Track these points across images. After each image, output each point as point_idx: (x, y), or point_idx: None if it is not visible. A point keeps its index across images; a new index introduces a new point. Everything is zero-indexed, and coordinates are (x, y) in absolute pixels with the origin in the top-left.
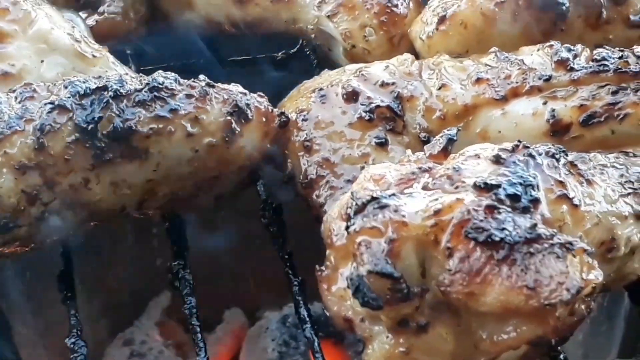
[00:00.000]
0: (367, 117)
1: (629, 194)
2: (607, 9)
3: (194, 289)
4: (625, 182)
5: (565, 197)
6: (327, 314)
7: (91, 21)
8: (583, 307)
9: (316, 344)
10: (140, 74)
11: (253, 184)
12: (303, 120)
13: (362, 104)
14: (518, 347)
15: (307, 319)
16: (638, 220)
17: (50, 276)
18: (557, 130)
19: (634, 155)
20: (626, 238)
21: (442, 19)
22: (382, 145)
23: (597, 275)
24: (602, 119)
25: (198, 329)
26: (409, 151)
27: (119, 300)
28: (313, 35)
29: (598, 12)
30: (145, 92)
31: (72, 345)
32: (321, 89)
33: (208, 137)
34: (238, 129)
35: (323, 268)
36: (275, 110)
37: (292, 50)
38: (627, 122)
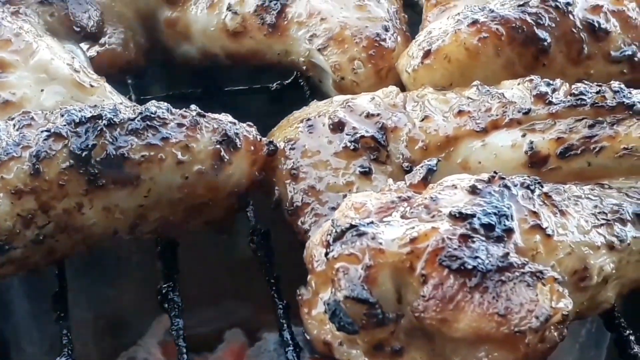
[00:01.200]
0: (352, 147)
1: (602, 224)
2: (589, 45)
3: (182, 310)
4: (599, 213)
5: (538, 227)
6: (307, 337)
7: (93, 52)
8: (556, 334)
9: None
10: (134, 104)
11: (242, 210)
12: (290, 149)
13: (347, 134)
14: None
15: (290, 342)
16: (610, 251)
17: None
18: (535, 161)
19: (609, 187)
20: (599, 268)
21: (427, 53)
22: (366, 174)
23: (566, 304)
24: (579, 152)
25: (184, 350)
26: (390, 180)
27: (124, 320)
28: (304, 68)
29: (579, 47)
30: (138, 120)
31: None
32: (309, 119)
33: (198, 164)
34: (227, 157)
35: (304, 292)
36: (263, 139)
37: (287, 81)
38: (603, 155)
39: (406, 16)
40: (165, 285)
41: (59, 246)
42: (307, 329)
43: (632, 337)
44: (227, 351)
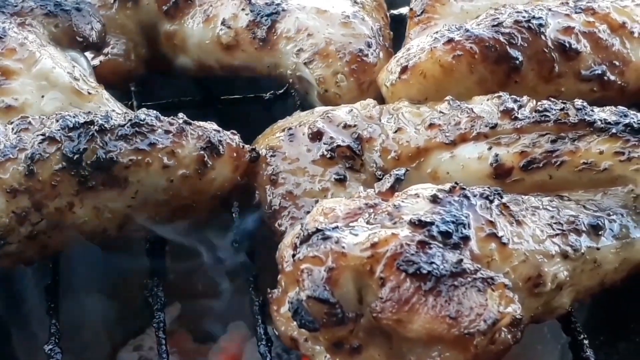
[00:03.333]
0: (328, 155)
1: (557, 234)
2: (559, 64)
3: (164, 305)
4: (555, 223)
5: (494, 236)
6: (276, 333)
7: (96, 61)
8: (509, 336)
9: (268, 359)
10: (125, 112)
11: (226, 211)
12: (271, 156)
13: (325, 143)
14: None
15: (263, 337)
16: (565, 259)
17: (67, 284)
18: (500, 173)
19: (569, 199)
20: (552, 275)
21: (404, 69)
22: (341, 181)
23: (515, 309)
24: (541, 165)
25: (163, 341)
26: (360, 188)
27: (134, 309)
28: (291, 80)
29: (550, 66)
30: (127, 127)
31: (49, 352)
32: (290, 128)
33: (182, 169)
34: (210, 163)
35: (275, 291)
36: (246, 146)
37: (279, 92)
38: (563, 169)
39: (391, 33)
40: (150, 281)
41: (52, 242)
42: (275, 325)
43: (585, 341)
44: (230, 341)
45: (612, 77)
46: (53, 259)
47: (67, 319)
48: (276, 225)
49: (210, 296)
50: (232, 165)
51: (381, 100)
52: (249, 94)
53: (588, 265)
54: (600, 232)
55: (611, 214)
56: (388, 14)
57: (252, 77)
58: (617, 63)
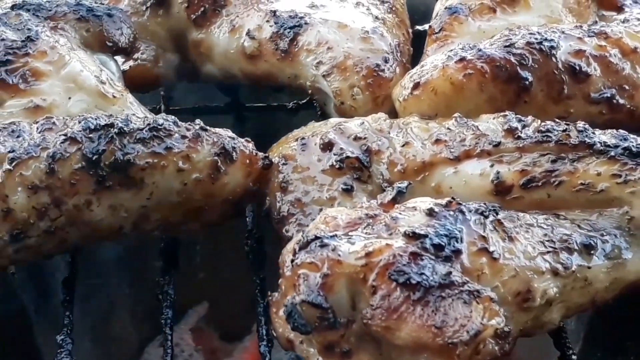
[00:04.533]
0: (337, 166)
1: (548, 252)
2: (569, 86)
3: (174, 302)
4: (548, 241)
5: (485, 250)
6: (274, 334)
7: (126, 66)
8: (496, 348)
9: (267, 359)
10: (145, 116)
11: (238, 217)
12: (283, 164)
13: (335, 154)
14: None
15: (265, 337)
16: (555, 276)
17: (97, 280)
18: (500, 190)
19: (564, 218)
20: (542, 291)
21: (416, 85)
22: (348, 191)
23: (498, 322)
24: (540, 184)
25: (169, 337)
26: (364, 198)
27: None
28: (310, 91)
29: (560, 88)
30: (145, 131)
31: (60, 342)
32: (303, 138)
33: (196, 173)
34: (223, 168)
35: (275, 294)
36: (260, 154)
37: (302, 101)
38: (561, 188)
39: (411, 49)
40: (162, 279)
41: (70, 237)
42: (274, 327)
43: (574, 357)
44: (255, 341)
45: (622, 101)
46: (72, 253)
47: (96, 314)
48: (283, 231)
49: (238, 296)
50: (244, 171)
51: (396, 114)
52: (273, 103)
53: (579, 283)
54: (592, 252)
55: (605, 234)
56: (412, 30)
57: (277, 86)
58: (626, 87)
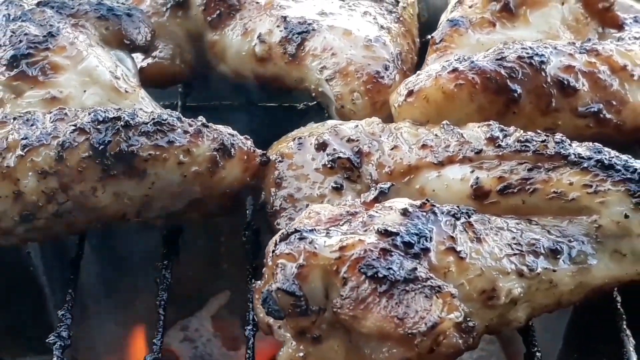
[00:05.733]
0: (329, 165)
1: (515, 254)
2: (557, 99)
3: (169, 286)
4: (515, 244)
5: (453, 250)
6: (255, 319)
7: (144, 63)
8: (460, 341)
9: (250, 342)
10: (152, 111)
11: (237, 209)
12: (279, 161)
13: (328, 154)
14: None
15: (251, 322)
16: (520, 277)
17: (121, 265)
18: (478, 195)
19: (536, 224)
20: (507, 290)
21: (410, 92)
22: (338, 189)
23: (457, 316)
24: (515, 190)
25: (162, 317)
26: (349, 197)
27: (186, 294)
28: (314, 94)
29: (548, 101)
30: (150, 125)
31: (61, 316)
32: (300, 138)
33: (195, 166)
34: (221, 163)
35: (258, 282)
36: (258, 151)
37: (311, 103)
38: (535, 196)
39: (415, 58)
40: (161, 264)
41: (76, 221)
42: (256, 312)
43: (538, 354)
44: None
45: (609, 115)
46: (80, 236)
47: (120, 295)
48: (275, 224)
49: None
50: (241, 166)
51: (392, 119)
52: (284, 103)
53: (544, 284)
54: (558, 256)
55: (572, 240)
56: (423, 40)
57: (285, 88)
58: (614, 102)
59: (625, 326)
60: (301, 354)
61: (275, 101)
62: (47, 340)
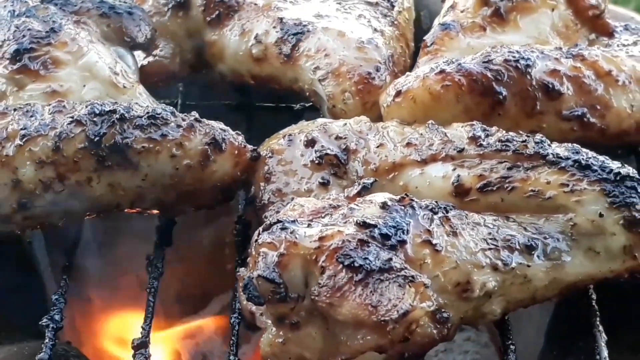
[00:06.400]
0: (317, 161)
1: (490, 248)
2: (542, 102)
3: (160, 274)
4: (491, 239)
5: (428, 242)
6: (239, 306)
7: (144, 61)
8: (435, 331)
9: (235, 330)
10: (148, 106)
11: (227, 202)
12: (269, 157)
13: (316, 150)
14: (364, 352)
15: (237, 310)
16: (494, 271)
17: (120, 235)
18: (459, 192)
19: (514, 221)
20: (481, 283)
21: (398, 93)
22: (325, 185)
23: (428, 305)
24: (495, 188)
25: (152, 304)
26: (334, 191)
27: (190, 293)
28: (307, 94)
29: (533, 104)
30: (144, 118)
31: (55, 300)
32: (290, 135)
33: (187, 159)
34: (212, 157)
35: (242, 269)
36: (248, 146)
37: (307, 104)
38: (514, 194)
39: (407, 61)
40: (153, 255)
41: (72, 209)
42: (239, 299)
43: (512, 347)
44: None
45: (592, 119)
46: (77, 224)
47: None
48: (263, 217)
49: None
50: (232, 161)
51: (383, 119)
52: (281, 104)
53: (518, 279)
54: (533, 252)
55: (548, 237)
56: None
57: (280, 88)
58: (598, 107)
59: (598, 322)
60: (280, 340)
61: (273, 102)
62: (40, 323)
